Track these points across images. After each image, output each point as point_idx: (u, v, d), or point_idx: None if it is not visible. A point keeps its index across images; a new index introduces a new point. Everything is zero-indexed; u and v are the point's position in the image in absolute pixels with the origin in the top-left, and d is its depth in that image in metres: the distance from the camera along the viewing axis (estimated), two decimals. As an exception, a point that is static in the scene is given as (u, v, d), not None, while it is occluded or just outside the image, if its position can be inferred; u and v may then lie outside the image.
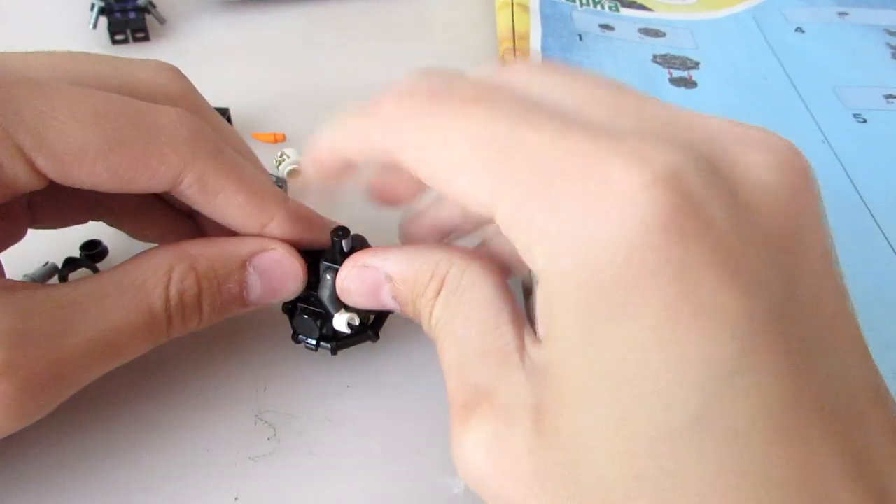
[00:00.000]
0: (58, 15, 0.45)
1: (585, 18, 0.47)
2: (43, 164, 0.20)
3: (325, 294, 0.25)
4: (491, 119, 0.17)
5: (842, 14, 0.48)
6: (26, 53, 0.22)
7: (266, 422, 0.26)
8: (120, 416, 0.25)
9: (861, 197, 0.35)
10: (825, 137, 0.38)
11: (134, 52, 0.43)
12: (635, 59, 0.44)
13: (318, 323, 0.25)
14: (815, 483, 0.14)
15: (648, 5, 0.49)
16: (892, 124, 0.39)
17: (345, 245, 0.24)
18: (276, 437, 0.25)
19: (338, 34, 0.45)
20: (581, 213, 0.15)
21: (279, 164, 0.34)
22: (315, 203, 0.26)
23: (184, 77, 0.26)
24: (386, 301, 0.23)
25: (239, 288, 0.24)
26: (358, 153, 0.21)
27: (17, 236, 0.25)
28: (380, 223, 0.27)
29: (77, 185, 0.21)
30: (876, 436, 0.15)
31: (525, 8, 0.46)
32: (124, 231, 0.28)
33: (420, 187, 0.24)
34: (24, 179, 0.20)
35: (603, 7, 0.49)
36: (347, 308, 0.25)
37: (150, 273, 0.22)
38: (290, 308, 0.26)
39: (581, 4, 0.48)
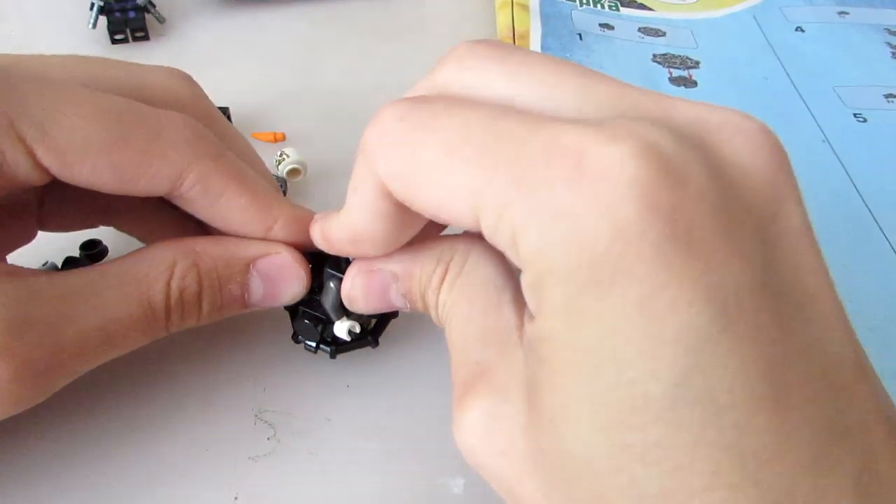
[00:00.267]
0: (57, 14, 0.45)
1: (585, 18, 0.47)
2: (45, 156, 0.20)
3: (327, 301, 0.25)
4: (464, 124, 0.17)
5: (842, 13, 0.48)
6: (40, 56, 0.22)
7: (266, 421, 0.26)
8: (120, 415, 0.25)
9: (861, 197, 0.35)
10: (825, 137, 0.38)
11: (133, 51, 0.43)
12: (635, 58, 0.44)
13: (319, 328, 0.25)
14: (797, 451, 0.14)
15: (649, 4, 0.49)
16: (893, 124, 0.39)
17: None
18: (276, 437, 0.25)
19: (338, 34, 0.45)
20: (565, 194, 0.15)
21: (279, 164, 0.34)
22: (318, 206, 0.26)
23: (195, 83, 0.26)
24: (395, 301, 0.23)
25: (240, 290, 0.24)
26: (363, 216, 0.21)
27: (26, 238, 0.25)
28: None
29: (79, 183, 0.21)
30: (860, 407, 0.15)
31: (525, 7, 0.46)
32: (134, 236, 0.28)
33: None
34: (25, 171, 0.21)
35: (603, 6, 0.49)
36: (349, 316, 0.25)
37: (152, 266, 0.22)
38: (293, 308, 0.26)
39: (581, 4, 0.48)
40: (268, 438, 0.25)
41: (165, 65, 0.26)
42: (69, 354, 0.21)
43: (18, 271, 0.21)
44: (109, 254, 0.30)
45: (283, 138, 0.37)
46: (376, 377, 0.27)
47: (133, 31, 0.43)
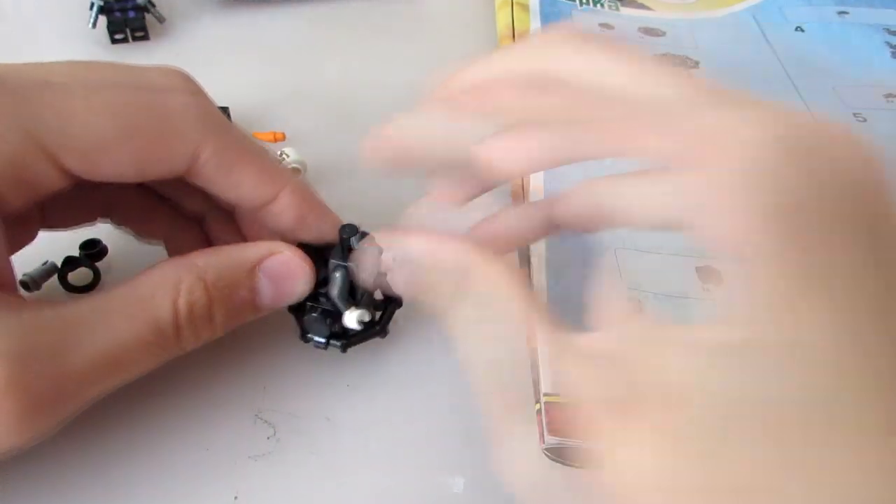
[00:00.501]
0: (57, 14, 0.45)
1: (585, 17, 0.47)
2: (69, 161, 0.21)
3: (334, 292, 0.25)
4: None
5: (842, 13, 0.48)
6: (41, 63, 0.22)
7: (266, 421, 0.26)
8: (120, 415, 0.25)
9: (861, 196, 0.35)
10: (825, 136, 0.38)
11: (133, 51, 0.43)
12: (635, 58, 0.44)
13: (329, 321, 0.25)
14: None
15: (649, 4, 0.49)
16: (892, 123, 0.39)
17: (353, 243, 0.25)
18: (276, 437, 0.25)
19: (338, 34, 0.45)
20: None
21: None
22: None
23: (195, 82, 0.26)
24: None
25: (251, 294, 0.24)
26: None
27: (29, 238, 0.26)
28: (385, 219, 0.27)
29: (102, 179, 0.22)
30: None
31: (525, 7, 0.46)
32: (131, 231, 0.28)
33: (481, 190, 0.24)
34: (50, 179, 0.21)
35: (603, 6, 0.49)
36: (358, 305, 0.25)
37: (157, 287, 0.22)
38: (297, 307, 0.26)
39: (581, 3, 0.48)
40: (268, 438, 0.25)
41: (165, 64, 0.26)
42: (76, 382, 0.21)
43: (22, 303, 0.21)
44: (109, 253, 0.30)
45: (283, 138, 0.37)
46: (376, 377, 0.27)
47: (133, 30, 0.43)
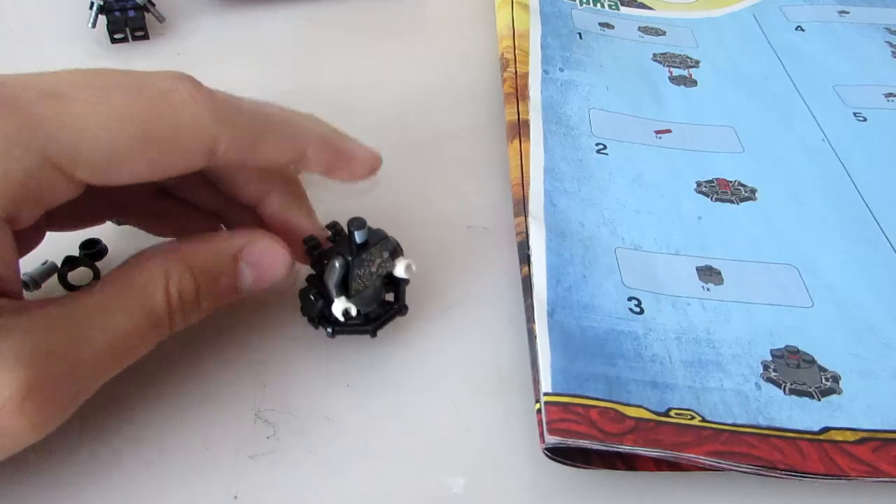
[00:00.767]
0: (57, 14, 0.45)
1: (585, 17, 0.47)
2: (83, 174, 0.21)
3: (329, 280, 0.26)
4: None
5: (842, 13, 0.48)
6: (43, 73, 0.22)
7: (265, 420, 0.26)
8: (119, 414, 0.26)
9: (861, 196, 0.35)
10: (825, 136, 0.38)
11: (133, 50, 0.43)
12: (635, 57, 0.44)
13: (320, 304, 0.26)
14: None
15: (649, 4, 0.49)
16: (893, 123, 0.39)
17: (358, 237, 0.25)
18: (276, 436, 0.25)
19: (338, 34, 0.45)
20: None
21: (279, 163, 0.34)
22: None
23: (197, 81, 0.26)
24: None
25: (232, 280, 0.25)
26: None
27: (36, 243, 0.26)
28: (394, 215, 0.27)
29: (118, 184, 0.22)
30: None
31: (525, 6, 0.46)
32: (142, 229, 0.29)
33: None
34: (62, 191, 0.21)
35: (603, 5, 0.49)
36: (350, 297, 0.26)
37: (150, 277, 0.23)
38: (305, 288, 0.27)
39: (581, 3, 0.48)
40: (267, 437, 0.25)
41: (164, 64, 0.26)
42: (87, 376, 0.22)
43: (27, 305, 0.21)
44: (109, 252, 0.30)
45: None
46: (376, 376, 0.27)
47: (133, 30, 0.43)
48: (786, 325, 0.29)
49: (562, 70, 0.41)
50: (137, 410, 0.26)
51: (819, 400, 0.26)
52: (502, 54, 0.42)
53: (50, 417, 0.21)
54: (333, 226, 0.27)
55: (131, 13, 0.43)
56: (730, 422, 0.25)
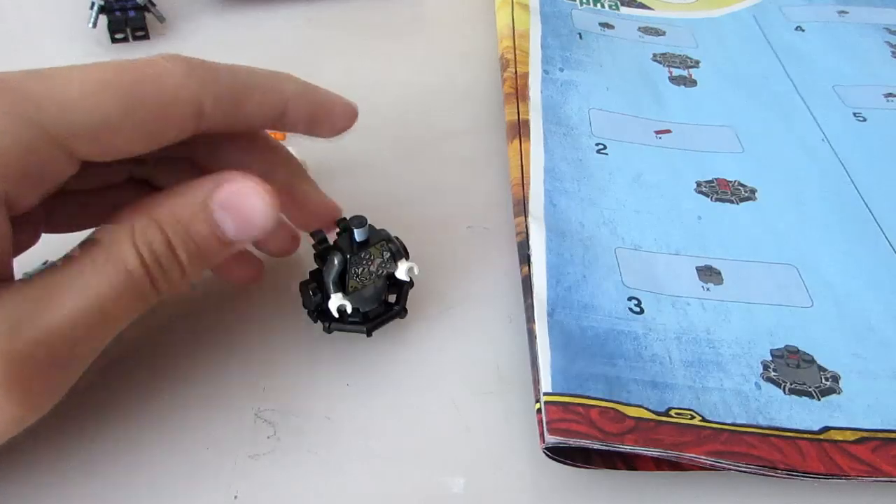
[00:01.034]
0: (57, 14, 0.45)
1: (585, 17, 0.47)
2: (78, 145, 0.21)
3: (327, 275, 0.26)
4: None
5: (842, 13, 0.48)
6: (48, 69, 0.22)
7: (266, 420, 0.26)
8: (119, 414, 0.26)
9: (861, 196, 0.35)
10: (825, 136, 0.38)
11: (133, 50, 0.43)
12: (635, 57, 0.44)
13: (319, 298, 0.26)
14: None
15: (649, 4, 0.49)
16: (892, 123, 0.39)
17: (358, 235, 0.25)
18: (276, 436, 0.25)
19: (338, 34, 0.45)
20: None
21: (279, 163, 0.34)
22: None
23: (190, 59, 0.26)
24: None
25: (208, 227, 0.23)
26: None
27: (32, 241, 0.26)
28: (394, 215, 0.27)
29: (113, 157, 0.22)
30: None
31: (525, 6, 0.46)
32: None
33: None
34: (63, 167, 0.21)
35: (603, 5, 0.49)
36: (346, 295, 0.26)
37: (113, 234, 0.22)
38: (305, 281, 0.27)
39: (581, 3, 0.48)
40: (267, 437, 0.25)
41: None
42: (65, 341, 0.21)
43: (9, 284, 0.21)
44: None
45: (283, 138, 0.37)
46: (376, 376, 0.27)
47: (133, 30, 0.43)
48: (786, 325, 0.29)
49: (562, 70, 0.41)
50: (137, 410, 0.26)
51: (819, 400, 0.26)
52: (502, 54, 0.42)
53: (28, 386, 0.20)
54: (343, 220, 0.27)
55: (132, 13, 0.43)
56: (730, 421, 0.25)
